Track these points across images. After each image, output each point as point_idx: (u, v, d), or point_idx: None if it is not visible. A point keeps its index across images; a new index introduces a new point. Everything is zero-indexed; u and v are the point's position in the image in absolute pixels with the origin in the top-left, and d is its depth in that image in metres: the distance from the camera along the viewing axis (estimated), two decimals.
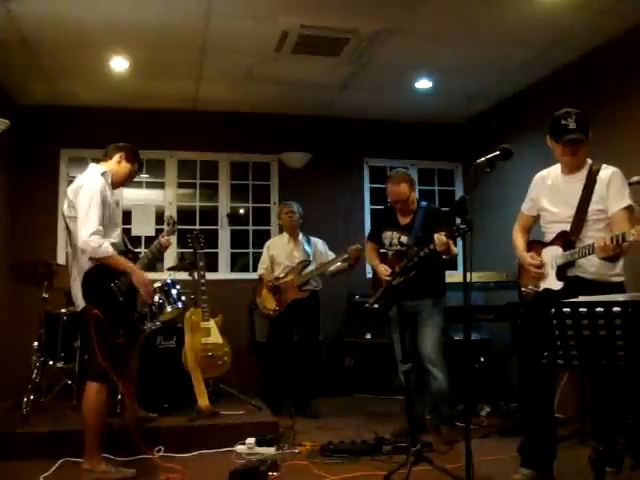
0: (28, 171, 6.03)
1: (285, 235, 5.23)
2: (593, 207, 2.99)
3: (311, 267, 5.02)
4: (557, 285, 3.05)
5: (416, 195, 4.39)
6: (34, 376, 4.26)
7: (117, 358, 3.31)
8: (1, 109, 5.05)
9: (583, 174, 3.07)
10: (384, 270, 4.21)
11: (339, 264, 4.96)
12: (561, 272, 3.04)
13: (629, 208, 2.93)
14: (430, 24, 4.55)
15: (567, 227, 3.04)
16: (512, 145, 2.95)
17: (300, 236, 5.19)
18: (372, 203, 6.93)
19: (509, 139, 3.10)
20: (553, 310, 2.10)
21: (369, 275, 6.34)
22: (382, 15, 4.41)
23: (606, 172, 3.02)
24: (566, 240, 3.03)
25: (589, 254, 2.87)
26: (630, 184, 3.22)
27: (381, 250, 4.45)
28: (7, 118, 4.33)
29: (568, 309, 2.07)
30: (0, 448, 3.61)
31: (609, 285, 2.95)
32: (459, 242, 4.65)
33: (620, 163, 4.36)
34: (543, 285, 3.14)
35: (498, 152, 2.86)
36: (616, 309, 1.98)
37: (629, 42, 4.52)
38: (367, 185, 6.97)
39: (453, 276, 4.47)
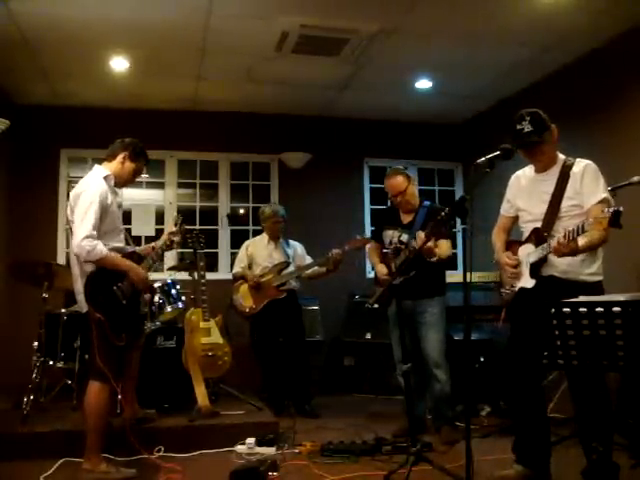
0: (28, 171, 6.03)
1: (265, 236, 5.22)
2: (567, 203, 2.94)
3: (290, 269, 5.03)
4: (530, 283, 3.02)
5: (416, 191, 4.33)
6: (34, 376, 4.25)
7: (117, 360, 3.31)
8: (1, 109, 5.05)
9: (556, 170, 3.04)
10: (381, 269, 4.21)
11: (317, 268, 4.99)
12: (534, 270, 3.01)
13: (605, 201, 2.82)
14: (430, 24, 4.55)
15: (539, 224, 3.02)
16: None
17: (280, 238, 5.21)
18: (372, 203, 6.94)
19: (509, 139, 3.08)
20: (553, 310, 2.10)
21: (369, 275, 6.35)
22: (382, 15, 4.42)
23: (579, 166, 2.96)
24: (538, 236, 3.00)
25: None
26: (630, 184, 3.21)
27: (384, 250, 4.44)
28: (7, 118, 4.33)
29: (568, 309, 2.07)
30: (0, 448, 3.60)
31: (584, 285, 2.88)
32: (459, 242, 4.65)
33: (619, 163, 4.36)
34: (519, 284, 3.12)
35: (498, 152, 2.84)
36: (616, 309, 1.98)
37: (628, 43, 4.52)
38: (367, 185, 6.97)
39: (453, 276, 4.47)
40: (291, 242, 5.28)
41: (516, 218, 3.29)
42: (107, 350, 3.24)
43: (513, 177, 3.31)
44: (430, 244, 3.73)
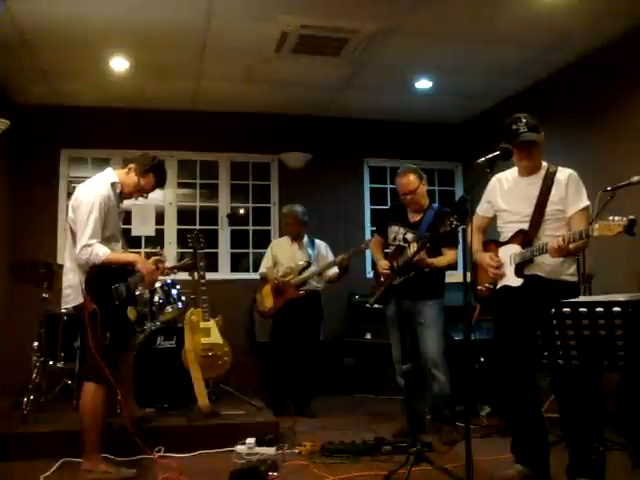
0: (28, 171, 6.03)
1: (288, 237, 5.24)
2: (552, 207, 3.07)
3: (311, 269, 5.03)
4: (516, 282, 3.11)
5: (425, 191, 4.28)
6: (34, 376, 4.26)
7: (109, 358, 3.30)
8: (1, 109, 5.05)
9: (540, 176, 3.14)
10: (383, 265, 4.20)
11: (336, 270, 5.00)
12: (519, 269, 3.10)
13: (586, 209, 3.06)
14: (430, 24, 4.55)
15: (525, 226, 3.11)
16: None
17: (305, 239, 5.20)
18: (372, 203, 6.93)
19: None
20: (553, 310, 2.10)
21: (369, 275, 6.35)
22: (382, 15, 4.41)
23: (563, 174, 3.12)
24: (524, 238, 3.10)
25: (544, 252, 2.96)
26: (630, 184, 3.23)
27: (386, 250, 4.42)
28: (7, 118, 4.33)
29: (568, 309, 2.07)
30: (0, 448, 3.61)
31: (565, 284, 3.06)
32: (459, 243, 4.67)
33: (620, 163, 4.36)
34: (501, 283, 3.19)
35: (498, 152, 2.87)
36: (616, 309, 1.98)
37: (628, 44, 4.52)
38: (367, 185, 6.97)
39: (453, 276, 4.46)
40: (317, 242, 5.27)
41: (493, 219, 3.37)
42: (102, 345, 3.22)
43: (494, 179, 3.36)
44: (422, 255, 3.78)
